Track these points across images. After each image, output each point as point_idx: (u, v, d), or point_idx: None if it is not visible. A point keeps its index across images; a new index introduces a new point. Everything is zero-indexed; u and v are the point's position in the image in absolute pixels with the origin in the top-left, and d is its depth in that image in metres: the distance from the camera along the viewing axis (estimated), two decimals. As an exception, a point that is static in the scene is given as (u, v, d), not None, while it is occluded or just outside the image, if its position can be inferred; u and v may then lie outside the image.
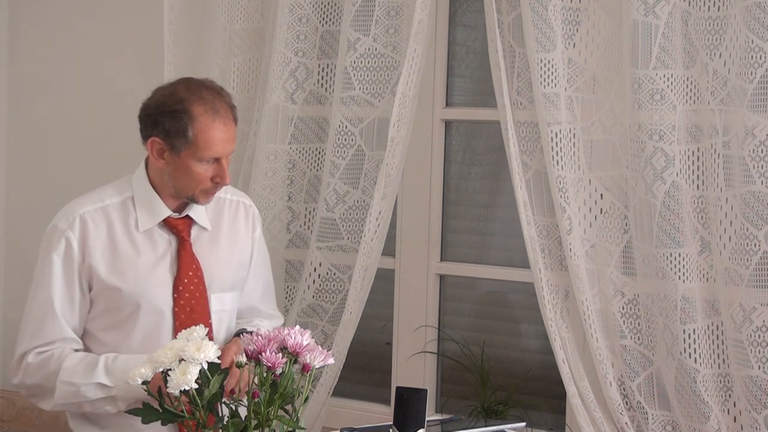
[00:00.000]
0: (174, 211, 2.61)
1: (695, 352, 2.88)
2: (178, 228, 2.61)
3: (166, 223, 2.60)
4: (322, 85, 3.40)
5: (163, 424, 2.04)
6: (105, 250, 2.56)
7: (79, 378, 2.50)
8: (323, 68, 3.39)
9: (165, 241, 2.60)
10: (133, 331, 2.56)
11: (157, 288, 2.57)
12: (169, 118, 2.50)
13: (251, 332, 2.31)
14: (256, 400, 1.98)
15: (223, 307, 2.66)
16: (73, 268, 2.55)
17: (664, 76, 2.85)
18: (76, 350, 2.57)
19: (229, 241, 2.69)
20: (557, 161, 2.98)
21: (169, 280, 2.58)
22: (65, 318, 2.56)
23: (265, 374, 1.98)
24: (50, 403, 2.55)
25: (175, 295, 2.58)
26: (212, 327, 2.62)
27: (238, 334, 2.64)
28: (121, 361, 2.49)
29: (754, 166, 2.75)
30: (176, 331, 2.55)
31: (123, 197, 2.61)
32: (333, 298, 3.37)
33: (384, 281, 3.52)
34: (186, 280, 2.58)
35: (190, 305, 2.58)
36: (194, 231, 2.63)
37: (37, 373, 2.55)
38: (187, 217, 2.62)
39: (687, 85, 2.88)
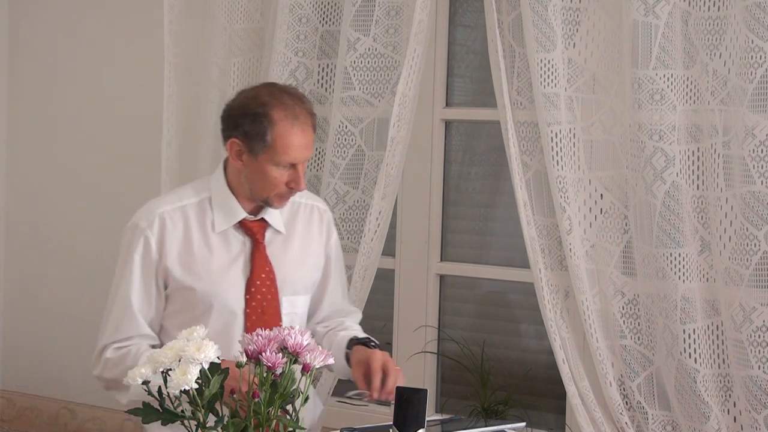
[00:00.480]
0: (249, 214, 2.63)
1: (695, 352, 2.88)
2: (253, 230, 2.63)
3: (242, 225, 2.63)
4: (322, 85, 3.40)
5: (163, 424, 2.03)
6: (181, 249, 2.60)
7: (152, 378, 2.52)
8: (323, 68, 3.39)
9: (239, 243, 2.63)
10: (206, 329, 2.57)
11: (229, 289, 2.60)
12: (250, 120, 2.53)
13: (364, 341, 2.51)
14: (256, 400, 1.98)
15: (294, 309, 2.68)
16: (151, 266, 2.59)
17: (664, 76, 2.85)
18: (153, 346, 2.60)
19: (302, 245, 2.71)
20: (557, 161, 2.98)
21: (242, 282, 2.61)
22: (143, 315, 2.60)
23: (265, 374, 1.98)
24: (125, 397, 2.57)
25: (248, 297, 2.60)
26: None
27: (350, 345, 2.63)
28: None
29: (754, 166, 2.75)
30: (248, 331, 2.56)
31: (201, 197, 2.64)
32: (333, 298, 3.37)
33: (384, 281, 3.52)
34: (258, 282, 2.61)
35: (261, 307, 2.60)
36: (268, 234, 2.66)
37: (115, 369, 2.57)
38: (262, 219, 2.64)
39: (687, 85, 2.88)
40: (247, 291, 2.61)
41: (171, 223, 2.60)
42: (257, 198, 2.60)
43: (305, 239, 2.72)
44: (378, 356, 2.52)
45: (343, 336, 2.67)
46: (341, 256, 2.85)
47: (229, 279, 2.60)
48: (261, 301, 2.60)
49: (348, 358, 2.60)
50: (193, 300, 2.59)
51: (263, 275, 2.62)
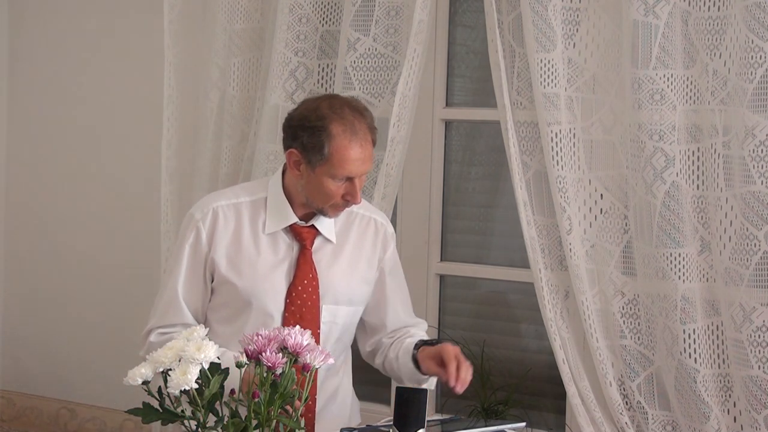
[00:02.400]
0: (301, 219, 2.64)
1: (695, 352, 2.88)
2: (302, 235, 2.64)
3: (292, 230, 2.64)
4: (322, 85, 3.40)
5: (163, 424, 2.04)
6: (229, 245, 2.62)
7: None
8: (323, 68, 3.39)
9: (287, 246, 2.64)
10: (243, 328, 2.57)
11: (270, 290, 2.61)
12: (309, 133, 2.54)
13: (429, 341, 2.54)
14: (256, 400, 1.98)
15: (334, 319, 2.67)
16: (200, 257, 2.62)
17: (664, 76, 2.85)
18: None
19: (352, 257, 2.71)
20: (557, 161, 2.98)
21: (284, 285, 2.62)
22: (188, 304, 2.63)
23: (265, 374, 1.98)
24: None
25: (287, 301, 2.61)
26: (319, 336, 2.64)
27: (417, 347, 2.64)
28: (227, 358, 2.50)
29: (754, 166, 2.75)
30: None
31: (257, 197, 2.66)
32: (333, 298, 3.37)
33: (384, 281, 3.51)
34: (300, 288, 2.62)
35: (300, 312, 2.60)
36: (318, 241, 2.66)
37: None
38: (313, 226, 2.65)
39: (687, 85, 2.88)
40: (288, 295, 2.61)
41: (224, 217, 2.63)
42: (313, 206, 2.61)
43: (356, 251, 2.72)
44: (449, 347, 2.53)
45: (409, 342, 2.68)
46: (400, 271, 2.84)
47: (271, 280, 2.61)
48: (300, 307, 2.61)
49: (416, 360, 2.60)
50: (234, 296, 2.61)
51: (305, 281, 2.62)
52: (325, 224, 2.66)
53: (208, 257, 2.62)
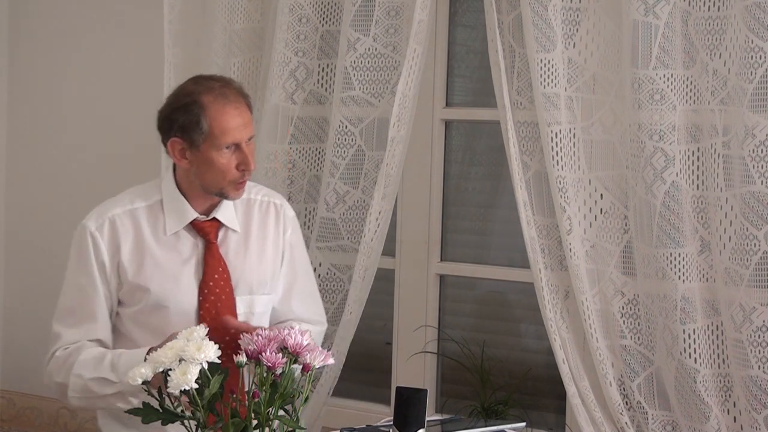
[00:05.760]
0: (202, 214, 2.61)
1: (695, 352, 2.89)
2: (205, 230, 2.61)
3: (194, 226, 2.61)
4: (322, 85, 3.40)
5: (163, 424, 2.04)
6: (133, 252, 2.58)
7: (88, 371, 2.50)
8: (323, 68, 3.39)
9: (191, 244, 2.61)
10: (161, 332, 2.53)
11: (182, 290, 2.58)
12: (182, 113, 2.52)
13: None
14: (256, 400, 1.98)
15: (251, 309, 2.65)
16: (103, 269, 2.57)
17: (664, 76, 2.85)
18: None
19: (258, 244, 2.68)
20: (557, 161, 2.98)
21: (195, 283, 2.59)
22: (98, 318, 2.58)
23: (265, 374, 1.98)
24: (67, 396, 2.56)
25: (201, 298, 2.58)
26: None
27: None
28: (126, 357, 2.49)
29: (754, 166, 2.75)
30: None
31: (152, 201, 2.62)
32: (333, 298, 3.37)
33: (384, 281, 3.51)
34: (212, 283, 2.59)
35: (216, 308, 2.57)
36: (222, 233, 2.63)
37: (61, 369, 2.55)
38: (215, 219, 2.62)
39: (687, 85, 2.88)
40: (200, 292, 2.58)
41: (121, 225, 2.58)
42: (212, 191, 2.57)
43: (261, 237, 2.68)
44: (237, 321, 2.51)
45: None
46: (301, 256, 2.78)
47: (181, 280, 2.58)
48: (215, 302, 2.57)
49: None
50: (147, 303, 2.57)
51: (216, 276, 2.59)
52: (226, 215, 2.63)
53: (111, 268, 2.57)
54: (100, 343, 2.59)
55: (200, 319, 2.56)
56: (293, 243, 2.75)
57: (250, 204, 2.69)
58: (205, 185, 2.56)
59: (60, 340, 2.58)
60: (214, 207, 2.62)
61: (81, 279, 2.58)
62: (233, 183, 2.55)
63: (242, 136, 2.52)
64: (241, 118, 2.53)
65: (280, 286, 2.73)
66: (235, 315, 2.60)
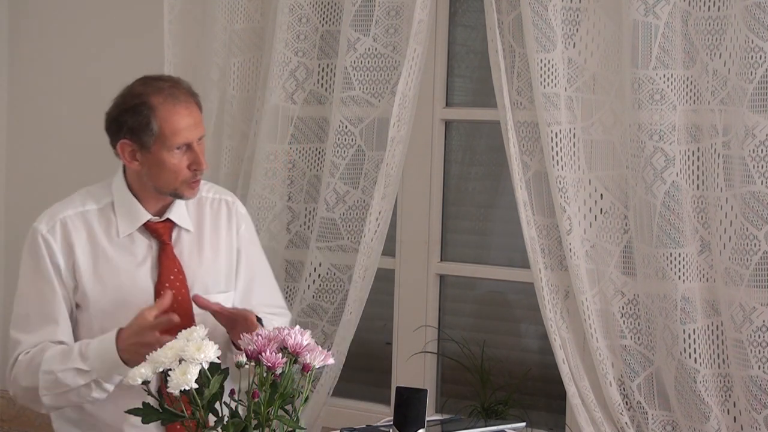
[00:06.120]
0: (154, 215, 2.60)
1: (695, 352, 2.88)
2: (159, 231, 2.59)
3: (147, 228, 2.59)
4: (322, 85, 3.40)
5: (163, 424, 2.04)
6: (86, 256, 2.56)
7: (57, 365, 2.48)
8: (323, 68, 3.39)
9: (145, 246, 2.59)
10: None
11: (138, 293, 2.55)
12: (131, 114, 2.51)
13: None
14: (256, 400, 1.98)
15: None
16: (57, 270, 2.55)
17: (664, 76, 2.85)
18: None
19: (212, 242, 2.67)
20: (557, 161, 2.98)
21: (151, 285, 2.57)
22: (58, 321, 2.54)
23: (265, 374, 1.98)
24: (39, 398, 2.51)
25: (157, 300, 2.54)
26: None
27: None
28: (95, 343, 2.48)
29: (754, 166, 2.75)
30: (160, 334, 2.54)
31: (103, 203, 2.61)
32: (333, 298, 3.37)
33: (384, 281, 3.51)
34: (168, 285, 2.57)
35: (172, 308, 2.53)
36: (175, 233, 2.62)
37: (27, 372, 2.52)
38: (168, 220, 2.61)
39: (687, 85, 2.88)
40: (157, 294, 2.56)
41: (74, 227, 2.57)
42: (165, 192, 2.55)
43: (215, 235, 2.67)
44: (247, 314, 2.47)
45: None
46: (256, 250, 2.78)
47: (137, 283, 2.56)
48: (171, 303, 2.53)
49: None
50: (103, 306, 2.55)
51: (172, 276, 2.58)
52: (179, 215, 2.61)
53: (66, 270, 2.54)
54: (63, 345, 2.55)
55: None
56: (248, 239, 2.75)
57: (202, 202, 2.68)
58: (158, 186, 2.55)
59: (20, 345, 2.55)
60: (166, 208, 2.61)
61: (38, 283, 2.56)
62: (186, 183, 2.54)
63: (193, 136, 2.52)
64: (192, 118, 2.52)
65: (240, 284, 2.71)
66: (192, 316, 2.58)
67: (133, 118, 2.50)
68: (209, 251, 2.66)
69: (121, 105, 2.54)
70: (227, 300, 2.67)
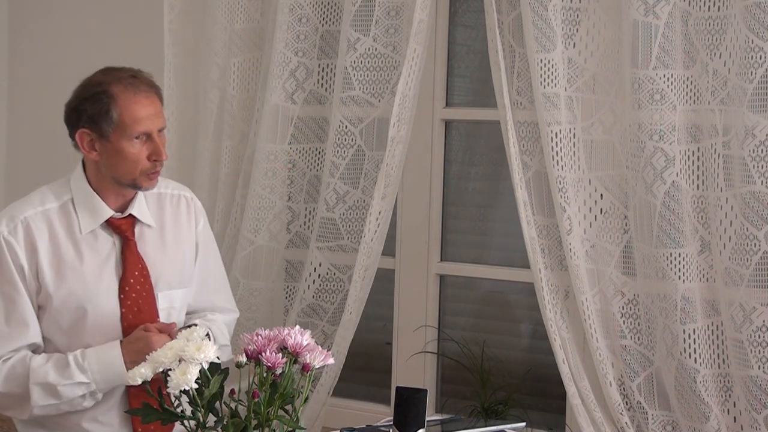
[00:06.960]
0: (117, 211, 2.58)
1: (695, 352, 2.88)
2: (122, 228, 2.58)
3: (109, 224, 2.58)
4: (322, 85, 3.40)
5: (163, 424, 2.04)
6: (49, 255, 2.53)
7: (55, 378, 2.47)
8: (323, 68, 3.39)
9: (109, 243, 2.58)
10: (83, 333, 2.53)
11: (103, 291, 2.54)
12: (90, 103, 2.50)
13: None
14: (256, 400, 1.98)
15: (171, 304, 2.63)
16: (21, 272, 2.52)
17: (664, 76, 2.85)
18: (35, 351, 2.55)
19: (173, 237, 2.67)
20: (557, 161, 2.98)
21: (115, 282, 2.56)
22: (27, 325, 2.52)
23: (265, 374, 1.98)
24: (27, 409, 2.50)
25: (122, 296, 2.55)
26: None
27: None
28: (90, 355, 2.49)
29: (754, 166, 2.75)
30: (125, 332, 2.54)
31: (62, 201, 2.58)
32: (333, 298, 3.37)
33: (384, 281, 3.51)
34: (132, 281, 2.56)
35: (137, 305, 2.55)
36: (138, 229, 2.61)
37: (7, 381, 2.50)
38: (130, 216, 2.60)
39: (687, 85, 2.88)
40: (121, 290, 2.55)
41: (35, 227, 2.53)
42: (124, 183, 2.54)
43: (176, 231, 2.68)
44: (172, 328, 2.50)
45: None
46: (212, 247, 2.79)
47: (101, 281, 2.55)
48: (136, 299, 2.55)
49: None
50: (67, 305, 2.53)
51: (136, 273, 2.57)
52: (141, 211, 2.61)
53: (29, 271, 2.51)
54: (35, 347, 2.55)
55: (123, 318, 2.54)
56: (206, 235, 2.76)
57: (162, 198, 2.68)
58: (117, 176, 2.53)
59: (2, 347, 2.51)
60: (128, 203, 2.60)
61: (3, 287, 2.52)
62: (145, 173, 2.53)
63: (154, 126, 2.51)
64: (153, 108, 2.51)
65: (195, 279, 2.71)
66: (156, 311, 2.58)
67: (92, 107, 2.49)
68: (172, 247, 2.66)
69: (81, 94, 2.54)
70: (186, 295, 2.69)
